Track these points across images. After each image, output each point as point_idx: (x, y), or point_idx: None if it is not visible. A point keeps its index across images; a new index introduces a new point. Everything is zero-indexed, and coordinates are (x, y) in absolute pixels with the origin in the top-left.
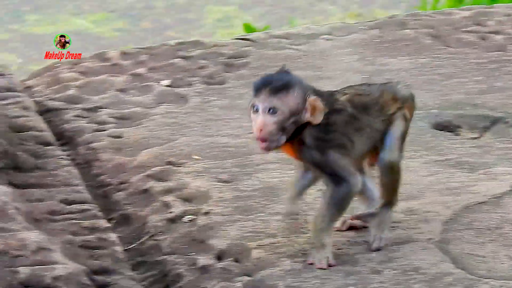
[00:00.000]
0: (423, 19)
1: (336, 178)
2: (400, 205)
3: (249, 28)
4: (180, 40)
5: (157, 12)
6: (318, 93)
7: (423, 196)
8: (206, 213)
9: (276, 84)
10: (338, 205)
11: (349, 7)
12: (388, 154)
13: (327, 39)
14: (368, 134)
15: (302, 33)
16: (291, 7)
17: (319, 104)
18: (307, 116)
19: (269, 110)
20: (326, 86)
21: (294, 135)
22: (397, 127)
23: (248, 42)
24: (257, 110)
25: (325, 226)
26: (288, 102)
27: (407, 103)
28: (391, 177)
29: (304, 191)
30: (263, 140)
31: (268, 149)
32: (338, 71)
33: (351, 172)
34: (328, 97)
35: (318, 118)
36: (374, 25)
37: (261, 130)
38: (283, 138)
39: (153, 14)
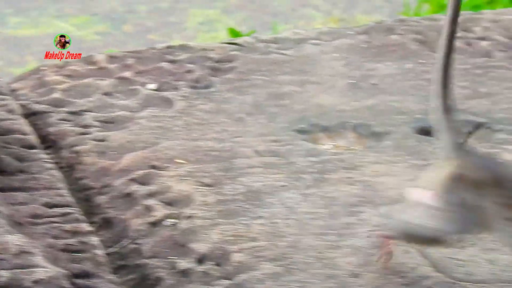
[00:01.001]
0: (411, 25)
1: None
2: None
3: (234, 33)
4: (168, 44)
5: (139, 16)
6: None
7: None
8: (189, 217)
9: None
10: None
11: (331, 12)
12: None
13: (315, 44)
14: None
15: (290, 37)
16: (273, 12)
17: None
18: None
19: None
20: (313, 90)
21: None
22: None
23: (235, 46)
24: None
25: None
26: None
27: None
28: None
29: None
30: None
31: None
32: (325, 76)
33: None
34: None
35: None
36: (361, 31)
37: None
38: None
39: (135, 17)
